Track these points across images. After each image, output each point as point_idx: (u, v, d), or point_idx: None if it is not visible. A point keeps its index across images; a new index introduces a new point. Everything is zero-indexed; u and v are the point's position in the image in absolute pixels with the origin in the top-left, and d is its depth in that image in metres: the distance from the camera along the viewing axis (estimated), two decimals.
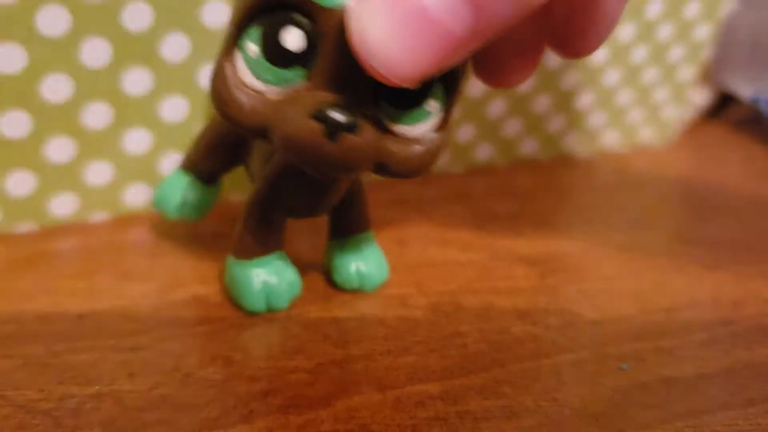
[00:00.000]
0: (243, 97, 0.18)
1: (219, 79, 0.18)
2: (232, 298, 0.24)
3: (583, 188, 0.39)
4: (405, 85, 0.16)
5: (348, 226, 0.26)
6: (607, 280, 0.31)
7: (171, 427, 0.19)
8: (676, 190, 0.40)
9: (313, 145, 0.17)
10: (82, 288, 0.27)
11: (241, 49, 0.18)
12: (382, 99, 0.19)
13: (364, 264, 0.26)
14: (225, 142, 0.26)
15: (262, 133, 0.18)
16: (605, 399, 0.21)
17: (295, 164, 0.21)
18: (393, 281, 0.30)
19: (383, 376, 0.22)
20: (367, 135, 0.18)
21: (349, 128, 0.17)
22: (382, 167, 0.19)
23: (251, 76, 0.18)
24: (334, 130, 0.17)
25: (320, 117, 0.17)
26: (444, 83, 0.19)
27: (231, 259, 0.24)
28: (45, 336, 0.24)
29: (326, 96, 0.18)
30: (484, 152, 0.38)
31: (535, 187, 0.38)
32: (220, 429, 0.19)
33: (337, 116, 0.17)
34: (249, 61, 0.18)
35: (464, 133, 0.37)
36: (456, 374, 0.22)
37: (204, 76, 0.29)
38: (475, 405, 0.20)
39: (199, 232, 0.30)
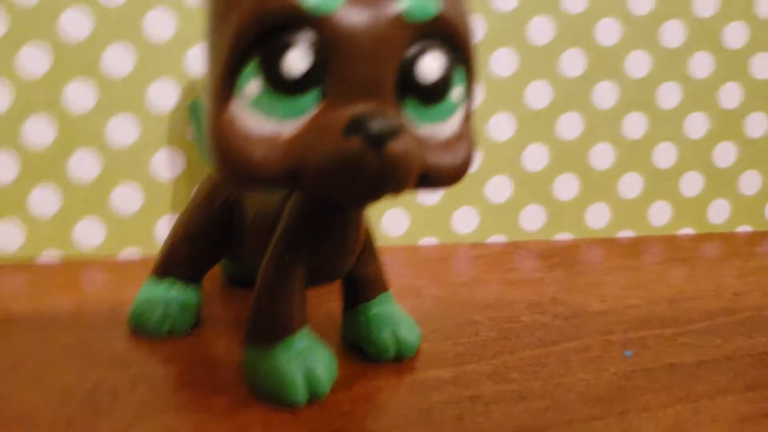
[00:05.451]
0: (256, 149, 0.15)
1: (220, 137, 0.15)
2: (260, 391, 0.20)
3: None
4: None
5: (369, 288, 0.23)
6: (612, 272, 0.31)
7: (202, 407, 0.20)
8: None
9: (356, 164, 0.14)
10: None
11: (239, 93, 0.15)
12: (409, 96, 0.16)
13: (399, 329, 0.23)
14: (209, 231, 0.24)
15: (288, 180, 0.16)
16: (609, 383, 0.22)
17: (325, 208, 0.19)
18: (407, 273, 0.31)
19: (399, 362, 0.23)
20: (410, 139, 0.15)
21: (392, 133, 0.14)
22: (426, 178, 0.16)
23: (258, 119, 0.15)
24: (377, 139, 0.14)
25: (357, 129, 0.14)
26: (464, 62, 0.17)
27: (251, 348, 0.20)
28: (80, 326, 0.25)
29: (353, 109, 0.15)
30: None
31: None
32: (248, 407, 0.20)
33: (376, 123, 0.14)
34: (253, 103, 0.15)
35: None
36: (468, 360, 0.23)
37: None
38: (486, 389, 0.21)
39: None
